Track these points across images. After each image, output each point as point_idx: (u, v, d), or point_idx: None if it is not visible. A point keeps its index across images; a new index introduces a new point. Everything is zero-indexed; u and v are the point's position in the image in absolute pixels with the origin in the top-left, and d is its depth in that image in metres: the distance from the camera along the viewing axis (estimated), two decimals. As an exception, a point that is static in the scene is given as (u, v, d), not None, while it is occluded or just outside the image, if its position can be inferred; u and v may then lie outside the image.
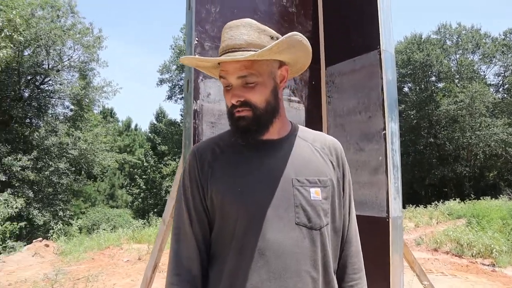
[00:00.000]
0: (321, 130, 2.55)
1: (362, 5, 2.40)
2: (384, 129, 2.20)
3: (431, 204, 16.71)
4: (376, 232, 2.16)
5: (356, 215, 2.29)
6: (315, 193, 1.02)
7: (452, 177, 25.25)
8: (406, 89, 28.77)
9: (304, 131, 1.16)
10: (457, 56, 27.63)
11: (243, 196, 1.00)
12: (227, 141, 1.11)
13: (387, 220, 2.11)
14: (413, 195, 26.82)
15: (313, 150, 1.10)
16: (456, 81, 27.10)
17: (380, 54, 2.27)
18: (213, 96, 2.12)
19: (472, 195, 19.11)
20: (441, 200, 17.26)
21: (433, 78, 27.48)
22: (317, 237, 1.01)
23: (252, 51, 0.97)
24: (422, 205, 16.56)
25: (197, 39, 2.11)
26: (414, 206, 16.37)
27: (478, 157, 24.96)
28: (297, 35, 0.97)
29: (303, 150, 1.09)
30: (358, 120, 2.38)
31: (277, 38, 1.02)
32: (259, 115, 1.01)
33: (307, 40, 1.03)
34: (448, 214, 13.38)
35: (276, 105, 1.06)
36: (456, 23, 29.29)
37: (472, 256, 7.18)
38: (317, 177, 1.05)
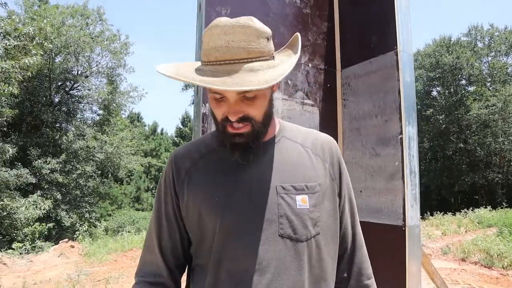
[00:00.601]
0: (336, 134, 2.48)
1: (379, 5, 2.32)
2: (401, 133, 2.10)
3: (460, 211, 16.12)
4: (392, 241, 2.06)
5: (372, 223, 2.21)
6: (302, 201, 0.93)
7: (483, 184, 24.29)
8: (434, 93, 28.00)
9: (293, 131, 1.06)
10: (489, 58, 26.66)
11: (220, 207, 0.92)
12: (209, 145, 1.03)
13: (404, 228, 2.01)
14: (441, 202, 26.00)
15: (302, 152, 1.01)
16: (488, 84, 26.14)
17: (397, 55, 2.18)
18: (223, 99, 2.09)
19: (504, 203, 18.34)
20: (471, 208, 16.61)
21: (463, 82, 26.62)
22: (304, 249, 0.92)
23: (255, 60, 0.85)
24: (451, 213, 16.00)
25: (207, 41, 2.08)
26: (442, 213, 15.84)
27: (511, 164, 23.95)
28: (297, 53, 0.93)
29: (290, 153, 1.00)
30: (374, 124, 2.29)
31: (270, 38, 0.91)
32: (258, 129, 0.91)
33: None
34: (478, 223, 12.85)
35: (272, 112, 0.97)
36: (488, 25, 28.25)
37: (503, 268, 6.83)
38: (305, 183, 0.95)
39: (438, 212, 16.35)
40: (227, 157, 0.97)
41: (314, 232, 0.94)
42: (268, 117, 0.95)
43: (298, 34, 1.01)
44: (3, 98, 11.76)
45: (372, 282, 1.07)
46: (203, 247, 0.97)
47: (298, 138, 1.04)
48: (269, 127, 0.98)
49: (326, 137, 1.07)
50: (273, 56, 0.91)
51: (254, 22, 0.87)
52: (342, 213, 1.05)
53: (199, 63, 0.92)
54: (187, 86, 31.15)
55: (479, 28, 26.85)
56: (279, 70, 0.87)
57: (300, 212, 0.93)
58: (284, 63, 0.91)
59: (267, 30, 0.89)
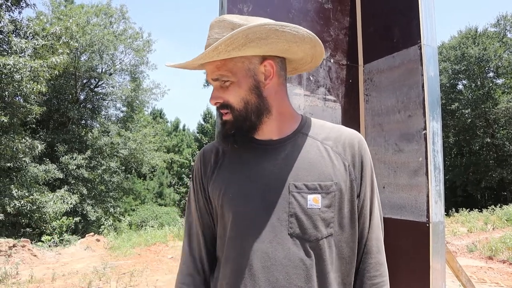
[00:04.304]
0: (358, 130, 2.46)
1: (402, -2, 2.28)
2: (425, 128, 2.07)
3: (487, 208, 15.66)
4: (415, 238, 2.04)
5: (395, 219, 2.19)
6: (313, 201, 0.91)
7: (512, 180, 23.53)
8: (460, 86, 27.19)
9: (316, 127, 1.03)
10: (519, 49, 25.67)
11: (234, 202, 0.95)
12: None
13: (427, 225, 1.98)
14: (467, 198, 25.33)
15: (321, 150, 0.98)
16: (518, 76, 25.20)
17: (420, 49, 2.14)
18: (245, 96, 2.10)
19: (534, 199, 17.68)
20: (499, 205, 16.11)
21: (491, 74, 25.72)
22: (313, 249, 0.91)
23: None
24: (477, 209, 15.57)
25: (229, 39, 2.10)
26: (468, 210, 15.44)
27: (542, 159, 23.09)
28: (265, 25, 0.85)
29: (307, 151, 0.98)
30: (397, 119, 2.26)
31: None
32: (237, 116, 0.94)
33: (295, 26, 0.90)
34: (506, 220, 12.46)
35: (261, 103, 0.95)
36: (518, 14, 27.14)
37: (533, 267, 6.63)
38: (319, 182, 0.93)
39: (464, 208, 15.94)
40: (243, 154, 1.00)
41: (326, 233, 0.92)
42: (253, 106, 0.94)
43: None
44: (32, 96, 12.16)
45: None
46: (220, 240, 1.01)
47: (320, 135, 1.01)
48: (266, 118, 0.97)
49: (351, 134, 1.02)
50: None
51: (231, 17, 0.94)
52: (359, 214, 1.00)
53: None
54: (208, 82, 31.33)
55: (509, 18, 25.84)
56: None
57: (310, 211, 0.91)
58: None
59: (238, 22, 0.91)
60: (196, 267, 1.02)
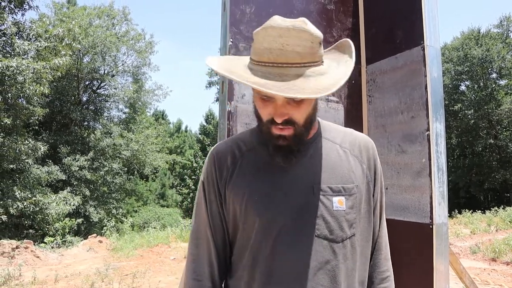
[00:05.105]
0: (361, 131, 2.45)
1: (405, -1, 2.28)
2: (428, 129, 2.06)
3: (490, 209, 15.59)
4: (419, 239, 2.03)
5: (398, 221, 2.18)
6: (338, 203, 0.95)
7: (516, 181, 23.42)
8: (463, 87, 27.11)
9: (331, 131, 1.06)
10: (523, 50, 25.57)
11: (260, 206, 0.94)
12: (248, 143, 1.04)
13: (431, 226, 1.97)
14: (470, 200, 25.24)
15: (340, 153, 1.01)
16: (521, 77, 25.10)
17: (423, 50, 2.14)
18: (248, 97, 2.10)
19: (538, 201, 17.60)
20: (502, 206, 16.04)
21: (494, 75, 25.64)
22: (340, 250, 0.94)
23: (307, 66, 0.85)
24: (480, 211, 15.51)
25: (231, 40, 2.11)
26: (471, 211, 15.37)
27: (545, 160, 22.98)
28: (352, 60, 0.92)
29: (329, 154, 1.00)
30: (400, 120, 2.26)
31: (321, 43, 0.90)
32: (300, 132, 0.92)
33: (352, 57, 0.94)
34: (509, 221, 12.39)
35: (315, 116, 0.99)
36: (521, 15, 27.04)
37: (537, 269, 6.59)
38: (342, 185, 0.96)
39: (467, 210, 15.87)
40: (266, 156, 0.98)
41: (349, 233, 0.96)
42: (311, 121, 0.95)
43: (350, 41, 0.98)
44: (35, 97, 12.20)
45: (389, 285, 1.07)
46: (241, 244, 0.99)
47: (337, 139, 1.04)
48: (311, 130, 0.99)
49: (364, 138, 1.07)
50: (322, 61, 0.90)
51: (309, 26, 0.85)
52: (374, 216, 1.06)
53: (247, 59, 0.93)
54: (210, 83, 31.39)
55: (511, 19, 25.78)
56: (330, 78, 0.86)
57: (336, 213, 0.94)
58: (333, 69, 0.91)
59: (320, 34, 0.87)
60: (203, 272, 1.00)
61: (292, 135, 0.91)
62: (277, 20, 0.85)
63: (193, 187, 28.70)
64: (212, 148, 1.07)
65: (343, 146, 1.03)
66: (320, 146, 1.01)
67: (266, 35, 0.84)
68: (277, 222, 0.93)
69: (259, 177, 0.98)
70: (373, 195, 1.04)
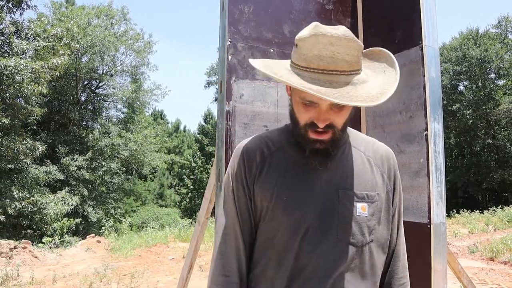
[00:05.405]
0: (359, 131, 2.45)
1: (403, -1, 2.28)
2: (426, 129, 2.06)
3: (488, 209, 15.64)
4: (417, 239, 2.03)
5: (396, 221, 2.18)
6: (362, 209, 0.98)
7: (514, 181, 23.48)
8: (461, 87, 27.17)
9: (356, 138, 1.10)
10: (521, 51, 25.63)
11: (288, 206, 0.97)
12: (276, 143, 1.06)
13: (429, 226, 1.97)
14: (468, 200, 25.29)
15: (365, 161, 1.05)
16: (520, 77, 25.17)
17: (422, 50, 2.14)
18: (246, 97, 2.10)
19: (536, 201, 17.64)
20: (500, 206, 16.08)
21: (492, 75, 25.70)
22: (359, 254, 0.97)
23: (354, 73, 0.90)
24: (478, 210, 15.55)
25: (230, 40, 2.10)
26: (469, 211, 15.42)
27: (543, 160, 23.04)
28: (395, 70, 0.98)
29: (354, 161, 1.04)
30: (399, 120, 2.26)
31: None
32: (337, 137, 0.96)
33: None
34: (507, 221, 12.43)
35: (349, 123, 1.02)
36: (519, 15, 27.08)
37: (535, 268, 6.60)
38: (366, 192, 1.00)
39: (465, 210, 15.92)
40: (294, 156, 1.02)
41: (369, 239, 0.99)
42: (347, 125, 1.00)
43: (387, 51, 1.03)
44: (33, 97, 12.17)
45: None
46: (266, 241, 1.01)
47: (361, 146, 1.08)
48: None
49: (385, 148, 1.11)
50: (361, 69, 0.94)
51: (353, 35, 0.89)
52: (392, 224, 1.09)
53: (287, 63, 0.96)
54: (209, 83, 31.39)
55: (510, 19, 25.82)
56: (373, 88, 0.91)
57: (359, 219, 0.98)
58: (371, 77, 0.95)
59: (361, 43, 0.92)
60: (231, 267, 1.01)
61: (330, 139, 0.95)
62: (325, 27, 0.89)
63: (191, 187, 28.70)
64: (240, 144, 1.09)
65: (367, 154, 1.07)
66: (347, 152, 1.04)
67: (317, 42, 0.87)
68: (305, 222, 0.96)
69: (287, 177, 1.00)
70: (392, 205, 1.07)
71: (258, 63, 0.96)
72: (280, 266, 0.97)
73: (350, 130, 1.09)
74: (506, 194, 24.67)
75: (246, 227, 1.03)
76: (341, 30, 0.88)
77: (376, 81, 0.94)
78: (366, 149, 1.07)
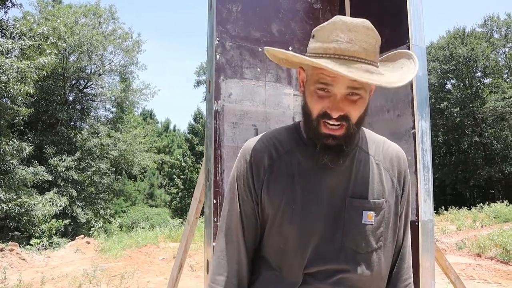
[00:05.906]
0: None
1: (390, -2, 2.30)
2: (414, 127, 2.08)
3: (476, 206, 15.90)
4: (405, 236, 2.05)
5: (384, 218, 2.20)
6: (368, 217, 0.96)
7: (500, 178, 23.90)
8: (448, 86, 27.54)
9: (367, 141, 1.06)
10: (506, 49, 26.08)
11: (296, 214, 0.96)
12: (285, 144, 1.03)
13: (417, 223, 1.99)
14: (456, 197, 25.68)
15: (374, 166, 1.02)
16: (505, 76, 25.61)
17: (409, 49, 2.16)
18: (235, 96, 2.09)
19: (521, 197, 17.98)
20: (487, 202, 16.35)
21: (479, 74, 26.12)
22: (366, 261, 0.96)
23: (370, 64, 0.87)
24: (466, 207, 15.79)
25: (218, 39, 2.10)
26: (457, 208, 15.64)
27: (529, 157, 23.47)
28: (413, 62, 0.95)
29: (364, 166, 1.01)
30: (386, 118, 2.28)
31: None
32: (351, 132, 0.92)
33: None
34: (494, 217, 12.66)
35: (364, 119, 0.97)
36: (505, 15, 27.54)
37: (520, 263, 6.73)
38: (373, 200, 0.98)
39: (453, 206, 16.15)
40: (303, 161, 0.99)
41: (376, 246, 0.98)
42: (362, 121, 0.95)
43: (406, 51, 1.01)
44: (19, 97, 11.99)
45: None
46: (271, 247, 1.01)
47: (371, 149, 1.04)
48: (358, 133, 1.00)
49: (395, 149, 1.07)
50: (378, 65, 0.92)
51: (372, 26, 0.88)
52: (398, 228, 1.07)
53: (301, 55, 0.93)
54: (199, 82, 31.26)
55: (495, 19, 26.26)
56: (392, 77, 0.90)
57: (365, 227, 0.96)
58: (388, 72, 0.94)
59: (379, 37, 0.90)
60: (231, 269, 1.01)
61: (343, 134, 0.91)
62: (344, 17, 0.88)
63: (181, 186, 28.57)
64: (247, 144, 1.05)
65: (376, 159, 1.03)
66: (357, 156, 1.01)
67: (335, 28, 0.87)
68: (312, 231, 0.95)
69: (295, 183, 0.98)
70: (400, 206, 1.06)
71: (271, 48, 0.96)
72: (286, 274, 0.97)
73: (362, 131, 1.06)
74: (493, 191, 25.09)
75: (251, 231, 1.02)
76: (361, 19, 0.88)
77: (395, 75, 0.92)
78: (376, 153, 1.04)
